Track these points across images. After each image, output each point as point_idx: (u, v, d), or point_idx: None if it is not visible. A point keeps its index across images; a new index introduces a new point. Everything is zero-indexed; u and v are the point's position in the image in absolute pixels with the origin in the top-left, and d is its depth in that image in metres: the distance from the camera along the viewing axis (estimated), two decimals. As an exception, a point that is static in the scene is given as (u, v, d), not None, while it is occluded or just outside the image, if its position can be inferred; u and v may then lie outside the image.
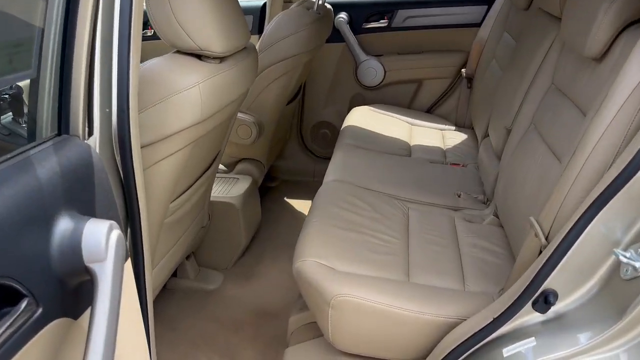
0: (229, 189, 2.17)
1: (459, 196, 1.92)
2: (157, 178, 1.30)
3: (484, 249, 1.58)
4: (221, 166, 2.43)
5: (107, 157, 0.95)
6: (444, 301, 1.35)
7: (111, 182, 0.88)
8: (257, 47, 2.12)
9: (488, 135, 2.10)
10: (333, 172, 1.97)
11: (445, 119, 2.75)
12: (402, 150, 2.30)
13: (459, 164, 2.23)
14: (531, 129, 1.58)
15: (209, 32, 1.28)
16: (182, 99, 1.23)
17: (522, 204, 1.44)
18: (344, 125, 2.52)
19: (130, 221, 1.04)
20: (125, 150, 0.97)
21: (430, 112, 2.84)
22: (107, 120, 0.92)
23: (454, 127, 2.63)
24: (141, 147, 1.05)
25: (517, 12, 2.21)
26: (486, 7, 2.60)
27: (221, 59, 1.37)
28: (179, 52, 1.33)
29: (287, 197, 2.82)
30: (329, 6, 2.41)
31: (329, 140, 2.99)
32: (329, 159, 3.07)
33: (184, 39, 1.26)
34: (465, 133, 2.57)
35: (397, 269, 1.45)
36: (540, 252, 1.19)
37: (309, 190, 2.97)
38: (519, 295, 1.09)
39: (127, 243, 1.04)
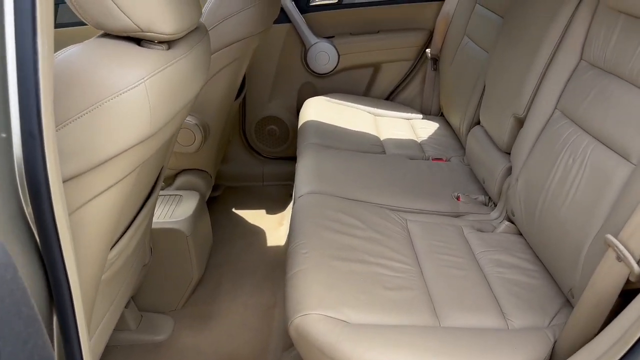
0: (171, 211, 1.73)
1: (457, 199, 1.63)
2: (88, 224, 0.87)
3: (511, 268, 1.29)
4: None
5: (11, 214, 0.54)
6: (490, 347, 1.05)
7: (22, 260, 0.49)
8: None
9: (479, 124, 1.82)
10: (306, 181, 1.60)
11: (409, 106, 2.46)
12: (375, 147, 1.97)
13: (441, 159, 1.94)
14: (557, 117, 1.30)
15: (152, 4, 0.86)
16: (122, 105, 0.81)
17: (564, 213, 1.16)
18: (301, 121, 2.14)
19: (56, 304, 0.67)
20: (39, 198, 0.59)
21: (391, 99, 2.53)
22: (4, 153, 0.51)
23: (421, 116, 2.34)
24: (63, 183, 0.65)
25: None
26: (448, -22, 2.32)
27: (170, 43, 0.95)
28: (107, 35, 0.89)
29: (236, 208, 2.41)
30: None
31: (277, 137, 2.60)
32: (280, 159, 2.71)
33: (115, 15, 0.83)
34: (435, 121, 2.29)
35: (421, 309, 1.13)
36: (628, 280, 0.91)
37: (259, 197, 2.57)
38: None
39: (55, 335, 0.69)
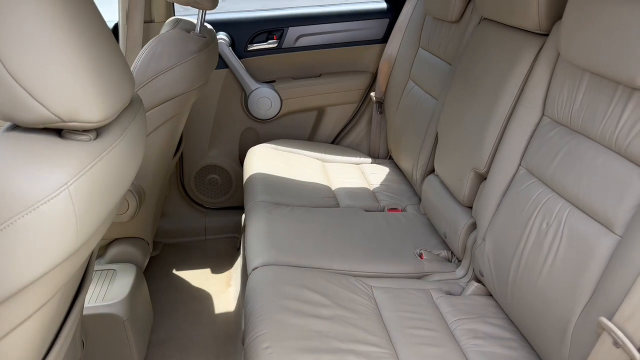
0: (105, 290, 1.52)
1: (420, 256, 1.54)
2: (9, 356, 0.69)
3: (488, 339, 1.21)
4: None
5: None
6: None
7: None
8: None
9: (434, 172, 1.76)
10: (258, 251, 1.46)
11: (356, 150, 2.38)
12: (328, 199, 1.85)
13: (397, 209, 1.86)
14: (523, 175, 1.25)
15: (74, 87, 0.70)
16: (40, 221, 0.64)
17: (543, 283, 1.09)
18: (246, 173, 1.99)
19: None
20: None
21: (338, 142, 2.45)
22: None
23: (370, 159, 2.27)
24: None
25: (439, 25, 1.90)
26: (388, 20, 2.29)
27: (98, 130, 0.79)
28: (18, 128, 0.72)
29: (177, 269, 2.21)
30: (209, 26, 1.88)
31: (219, 186, 2.43)
32: (223, 209, 2.54)
33: (29, 105, 0.67)
34: (384, 165, 2.22)
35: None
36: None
37: (202, 253, 2.38)
38: None
39: None
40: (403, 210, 1.86)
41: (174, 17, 1.86)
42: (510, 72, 1.34)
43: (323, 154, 2.24)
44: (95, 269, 1.62)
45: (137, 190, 1.59)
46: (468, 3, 1.71)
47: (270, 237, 1.51)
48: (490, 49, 1.47)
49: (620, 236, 0.94)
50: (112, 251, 1.70)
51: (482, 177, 1.44)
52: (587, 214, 1.02)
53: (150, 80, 1.51)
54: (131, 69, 1.53)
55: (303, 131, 2.43)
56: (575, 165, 1.08)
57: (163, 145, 1.62)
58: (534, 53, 1.29)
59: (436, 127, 1.74)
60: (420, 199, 1.89)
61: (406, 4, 2.17)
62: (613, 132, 1.00)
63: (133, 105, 0.95)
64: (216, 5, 1.66)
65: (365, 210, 1.82)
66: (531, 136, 1.26)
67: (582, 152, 1.07)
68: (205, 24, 1.92)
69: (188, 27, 1.70)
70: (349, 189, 1.96)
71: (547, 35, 1.27)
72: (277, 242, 1.48)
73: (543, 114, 1.24)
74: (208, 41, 1.68)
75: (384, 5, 2.31)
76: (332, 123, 2.41)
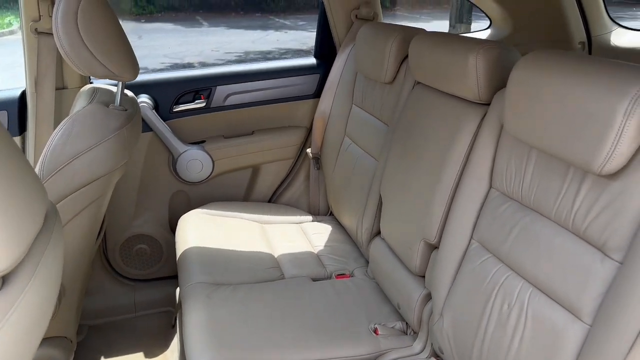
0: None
1: (375, 331, 1.47)
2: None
3: None
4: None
5: None
6: None
7: None
8: (36, 168, 1.35)
9: (379, 234, 1.70)
10: (200, 349, 1.31)
11: (295, 207, 2.29)
12: (272, 271, 1.74)
13: (345, 274, 1.78)
14: (476, 249, 1.21)
15: None
16: None
17: (511, 365, 1.04)
18: (179, 248, 1.84)
19: None
20: None
21: (275, 201, 2.35)
22: None
23: (310, 217, 2.19)
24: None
25: (371, 84, 1.88)
26: (318, 75, 2.25)
27: (5, 278, 0.65)
28: None
29: (105, 355, 1.99)
30: (130, 93, 1.74)
31: (148, 257, 2.24)
32: (154, 280, 2.35)
33: None
34: (326, 223, 2.15)
35: None
36: None
37: (133, 333, 2.17)
38: None
39: None
40: (351, 275, 1.78)
41: (89, 86, 1.71)
42: (452, 142, 1.32)
43: (261, 215, 2.13)
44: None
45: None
46: (401, 64, 1.70)
47: (212, 330, 1.37)
48: (428, 115, 1.45)
49: (589, 325, 0.91)
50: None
51: (432, 247, 1.40)
52: (550, 298, 0.99)
53: (66, 164, 1.35)
54: (43, 152, 1.36)
55: (238, 191, 2.32)
56: (531, 245, 1.05)
57: (84, 233, 1.45)
58: (476, 123, 1.27)
59: (379, 188, 1.69)
60: (366, 261, 1.83)
61: (336, 60, 2.15)
62: (569, 214, 0.98)
63: (47, 223, 0.81)
64: (137, 75, 1.53)
65: (313, 280, 1.73)
66: (480, 208, 1.23)
67: (537, 231, 1.05)
68: (126, 91, 1.78)
69: (106, 99, 1.56)
70: (293, 255, 1.86)
71: (487, 104, 1.27)
72: (220, 336, 1.35)
73: (491, 186, 1.22)
74: (130, 114, 1.54)
75: (313, 61, 2.28)
76: (268, 181, 2.32)
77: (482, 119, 1.26)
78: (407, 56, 1.68)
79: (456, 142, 1.31)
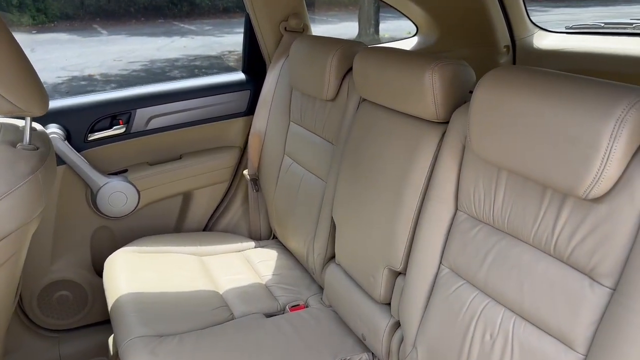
0: None
1: (341, 368, 1.37)
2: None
3: None
4: None
5: None
6: None
7: None
8: None
9: (333, 258, 1.61)
10: None
11: (234, 233, 2.14)
12: (220, 311, 1.59)
13: (299, 305, 1.67)
14: (447, 276, 1.16)
15: None
16: None
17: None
18: (110, 298, 1.63)
19: None
20: None
21: (211, 229, 2.18)
22: None
23: (252, 243, 2.05)
24: None
25: (310, 101, 1.78)
26: (249, 92, 2.11)
27: None
28: None
29: None
30: (39, 126, 1.51)
31: (72, 303, 1.99)
32: (81, 328, 2.09)
33: None
34: (270, 248, 2.02)
35: None
36: None
37: (61, 393, 1.92)
38: None
39: None
40: (305, 305, 1.68)
41: None
42: (411, 164, 1.25)
43: (198, 247, 1.96)
44: None
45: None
46: (342, 79, 1.62)
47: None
48: (380, 134, 1.38)
49: (583, 355, 0.88)
50: None
51: (397, 273, 1.33)
52: (538, 327, 0.95)
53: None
54: None
55: (168, 221, 2.12)
56: (512, 270, 1.01)
57: (1, 295, 1.22)
58: (435, 143, 1.22)
59: (330, 211, 1.60)
60: (320, 287, 1.73)
61: (267, 75, 2.03)
62: (550, 238, 0.94)
63: None
64: (47, 108, 1.32)
65: (266, 315, 1.60)
66: (448, 232, 1.18)
67: (516, 256, 1.01)
68: (34, 124, 1.55)
69: (12, 137, 1.33)
70: (240, 290, 1.72)
71: (446, 123, 1.21)
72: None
73: (457, 209, 1.16)
74: (43, 153, 1.32)
75: (242, 76, 2.14)
76: (202, 208, 2.15)
77: (442, 138, 1.21)
78: (348, 71, 1.60)
79: (415, 164, 1.24)
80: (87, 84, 8.52)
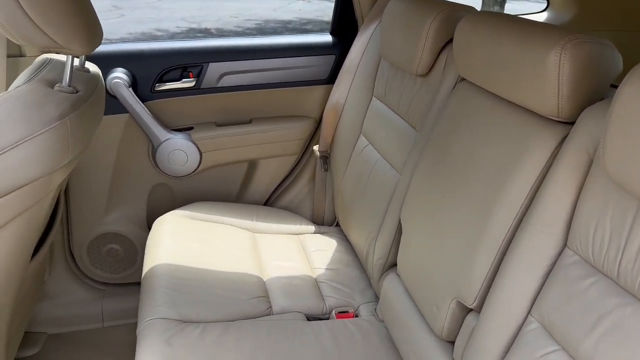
0: None
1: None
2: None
3: None
4: None
5: None
6: None
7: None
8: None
9: (395, 266, 1.34)
10: None
11: (296, 213, 1.93)
12: (257, 303, 1.39)
13: (348, 312, 1.43)
14: (537, 333, 0.84)
15: None
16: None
17: None
18: (147, 263, 1.50)
19: None
20: None
21: (272, 204, 1.99)
22: None
23: (312, 227, 1.82)
24: None
25: (399, 74, 1.49)
26: (334, 57, 1.85)
27: None
28: None
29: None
30: (94, 68, 1.38)
31: (121, 259, 1.91)
32: (126, 285, 2.02)
33: None
34: (330, 236, 1.78)
35: None
36: None
37: (98, 347, 1.84)
38: None
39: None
40: (356, 313, 1.43)
41: (44, 56, 1.34)
42: (512, 172, 0.93)
43: (254, 222, 1.77)
44: None
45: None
46: (440, 52, 1.30)
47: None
48: (478, 126, 1.06)
49: None
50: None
51: (468, 310, 1.04)
52: None
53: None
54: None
55: (230, 188, 1.96)
56: (637, 351, 0.68)
57: (10, 251, 1.10)
58: (550, 149, 0.89)
59: (399, 210, 1.32)
60: (376, 296, 1.47)
61: (356, 39, 1.75)
62: None
63: None
64: (94, 48, 1.16)
65: (307, 317, 1.38)
66: (547, 273, 0.86)
67: (635, 325, 0.68)
68: (89, 64, 1.42)
69: (55, 76, 1.19)
70: (286, 280, 1.51)
71: (570, 124, 0.88)
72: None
73: (565, 246, 0.84)
74: (81, 97, 1.17)
75: (329, 38, 1.88)
76: (265, 180, 1.95)
77: (560, 144, 0.88)
78: (449, 42, 1.28)
79: (517, 173, 0.92)
80: (203, 37, 8.73)
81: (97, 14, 1.20)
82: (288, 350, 1.22)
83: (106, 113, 1.71)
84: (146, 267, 1.48)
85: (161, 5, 10.20)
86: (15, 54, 1.57)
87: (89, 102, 1.23)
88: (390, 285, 1.33)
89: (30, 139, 1.03)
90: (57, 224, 1.50)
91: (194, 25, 9.35)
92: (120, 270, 1.92)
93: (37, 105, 1.06)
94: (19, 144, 1.02)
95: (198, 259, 1.50)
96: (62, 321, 1.85)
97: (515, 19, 1.01)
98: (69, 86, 1.18)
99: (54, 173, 1.11)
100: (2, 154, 1.01)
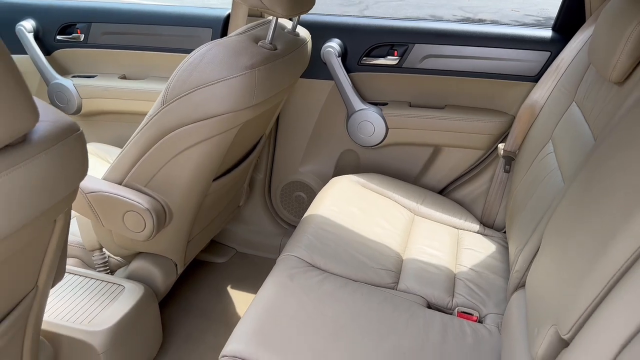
0: (99, 310, 1.38)
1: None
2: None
3: None
4: (116, 258, 1.64)
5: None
6: None
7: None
8: (161, 96, 1.33)
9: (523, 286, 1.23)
10: (237, 337, 1.16)
11: (466, 209, 1.87)
12: (387, 275, 1.44)
13: (471, 315, 1.37)
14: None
15: None
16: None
17: None
18: (308, 213, 1.68)
19: None
20: None
21: (446, 194, 1.97)
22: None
23: (477, 226, 1.75)
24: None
25: (599, 82, 1.31)
26: (549, 54, 1.70)
27: None
28: None
29: (237, 283, 2.03)
30: (304, 33, 1.58)
31: (305, 206, 2.17)
32: None
33: None
34: (492, 241, 1.69)
35: None
36: None
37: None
38: None
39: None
40: (479, 320, 1.36)
41: (269, 18, 1.61)
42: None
43: (419, 205, 1.80)
44: (108, 280, 1.50)
45: (156, 210, 1.40)
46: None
47: (261, 323, 1.19)
48: (622, 130, 0.89)
49: None
50: (134, 265, 1.57)
51: (564, 342, 0.91)
52: None
53: (188, 93, 1.28)
54: (172, 74, 1.33)
55: (410, 169, 2.00)
56: None
57: (195, 167, 1.40)
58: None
59: (546, 224, 1.20)
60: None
61: (574, 38, 1.57)
62: None
63: None
64: (291, 14, 1.34)
65: (428, 306, 1.37)
66: (649, 327, 0.71)
67: None
68: (301, 29, 1.63)
69: (258, 34, 1.43)
70: (424, 265, 1.51)
71: None
72: (264, 334, 1.16)
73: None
74: (276, 55, 1.38)
75: (548, 34, 1.72)
76: (446, 168, 1.94)
77: None
78: (656, 47, 1.08)
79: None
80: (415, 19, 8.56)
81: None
82: (389, 323, 1.25)
83: (316, 77, 1.94)
84: (307, 214, 1.67)
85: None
86: (255, 15, 1.90)
87: (284, 59, 1.43)
88: (516, 302, 1.23)
89: (223, 80, 1.28)
90: (255, 164, 1.79)
91: (469, 15, 9.24)
92: (301, 216, 2.18)
93: (236, 54, 1.30)
94: (214, 83, 1.28)
95: (350, 220, 1.62)
96: (250, 244, 2.20)
97: None
98: (270, 43, 1.40)
99: (239, 112, 1.35)
100: (201, 88, 1.28)
